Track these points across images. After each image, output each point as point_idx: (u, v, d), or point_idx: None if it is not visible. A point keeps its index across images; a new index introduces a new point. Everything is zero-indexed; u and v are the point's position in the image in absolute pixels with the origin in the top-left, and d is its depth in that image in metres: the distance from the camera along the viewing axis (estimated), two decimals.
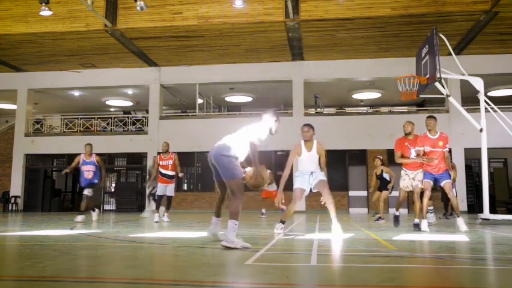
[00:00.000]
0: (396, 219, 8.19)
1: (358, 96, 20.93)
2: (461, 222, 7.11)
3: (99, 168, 10.30)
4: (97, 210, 10.50)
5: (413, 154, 7.50)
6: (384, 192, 10.73)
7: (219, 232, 5.37)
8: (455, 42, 15.30)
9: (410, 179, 7.57)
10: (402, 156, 7.60)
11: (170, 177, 10.48)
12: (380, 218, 10.31)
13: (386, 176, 10.77)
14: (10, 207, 18.68)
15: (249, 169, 5.15)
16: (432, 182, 7.20)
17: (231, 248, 4.45)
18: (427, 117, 7.59)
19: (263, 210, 13.30)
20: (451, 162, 12.64)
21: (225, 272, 3.41)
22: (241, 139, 5.05)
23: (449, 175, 7.27)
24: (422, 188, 7.30)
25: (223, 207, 5.32)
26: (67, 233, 6.85)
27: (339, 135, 17.68)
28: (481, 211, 10.20)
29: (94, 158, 10.21)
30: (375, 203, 11.39)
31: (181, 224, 9.27)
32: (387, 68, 17.18)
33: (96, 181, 10.24)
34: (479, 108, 10.36)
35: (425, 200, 7.17)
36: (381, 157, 11.28)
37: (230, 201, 4.77)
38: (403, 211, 16.93)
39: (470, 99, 13.38)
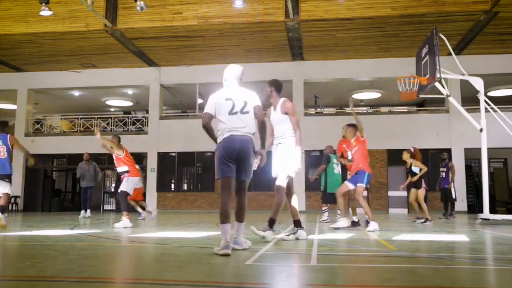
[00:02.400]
0: (355, 224, 7.88)
1: (358, 96, 20.91)
2: (373, 225, 7.12)
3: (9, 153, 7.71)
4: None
5: (349, 156, 7.91)
6: (421, 191, 9.52)
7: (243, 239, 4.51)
8: (455, 42, 15.29)
9: None
10: (342, 157, 8.37)
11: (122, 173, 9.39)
12: (426, 219, 9.21)
13: (415, 169, 9.67)
14: (10, 207, 18.67)
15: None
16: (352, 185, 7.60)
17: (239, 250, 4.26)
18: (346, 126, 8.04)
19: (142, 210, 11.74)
20: (450, 162, 12.71)
21: (225, 272, 3.40)
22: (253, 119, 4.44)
23: (363, 177, 7.45)
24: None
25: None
26: (67, 233, 6.85)
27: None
28: (481, 211, 10.20)
29: (8, 136, 7.72)
30: (413, 204, 9.85)
31: (181, 224, 9.26)
32: (387, 68, 17.18)
33: (11, 172, 7.95)
34: (479, 108, 10.37)
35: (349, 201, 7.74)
36: (412, 149, 9.95)
37: (226, 201, 4.29)
38: (403, 211, 16.94)
39: (470, 99, 13.39)
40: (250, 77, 18.84)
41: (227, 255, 3.99)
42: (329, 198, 9.80)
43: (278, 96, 5.59)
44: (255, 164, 4.52)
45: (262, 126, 4.48)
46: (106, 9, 14.66)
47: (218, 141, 4.39)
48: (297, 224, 5.53)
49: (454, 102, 10.64)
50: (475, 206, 17.46)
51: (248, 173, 4.39)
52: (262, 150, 4.62)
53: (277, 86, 5.63)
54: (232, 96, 4.45)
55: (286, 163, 5.47)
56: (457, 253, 4.72)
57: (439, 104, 18.55)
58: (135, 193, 11.29)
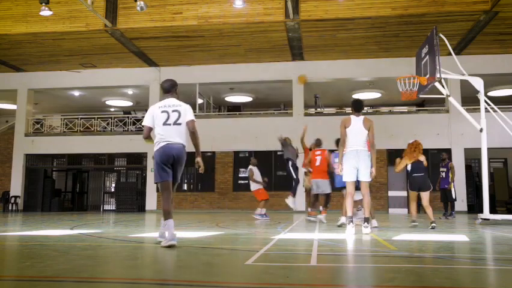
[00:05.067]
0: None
1: (358, 96, 20.91)
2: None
3: None
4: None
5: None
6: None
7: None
8: (455, 42, 15.29)
9: None
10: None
11: None
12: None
13: None
14: (10, 207, 18.68)
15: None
16: None
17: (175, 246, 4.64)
18: None
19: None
20: (450, 162, 12.69)
21: (225, 272, 3.41)
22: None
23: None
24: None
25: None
26: (67, 233, 6.85)
27: (339, 136, 17.65)
28: (481, 211, 10.20)
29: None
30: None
31: (181, 224, 9.27)
32: (387, 68, 17.17)
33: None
34: (479, 108, 10.36)
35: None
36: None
37: (168, 201, 4.85)
38: (403, 211, 16.95)
39: (470, 99, 13.38)
40: (250, 77, 18.97)
41: (173, 246, 4.61)
42: None
43: (353, 114, 6.68)
44: (200, 170, 5.11)
45: (194, 137, 5.06)
46: (106, 9, 14.65)
47: (155, 149, 4.91)
48: (365, 220, 6.52)
49: (454, 102, 10.63)
50: (475, 206, 17.44)
51: (179, 177, 5.05)
52: (199, 157, 5.14)
53: (354, 106, 6.75)
54: (167, 108, 4.98)
55: None
56: (457, 253, 4.72)
57: (439, 104, 18.55)
58: (261, 193, 11.58)
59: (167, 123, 4.90)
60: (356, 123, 6.54)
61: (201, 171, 5.19)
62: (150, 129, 5.02)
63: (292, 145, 11.46)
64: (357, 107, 6.69)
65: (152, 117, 4.99)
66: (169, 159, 4.87)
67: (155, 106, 5.06)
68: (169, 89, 5.17)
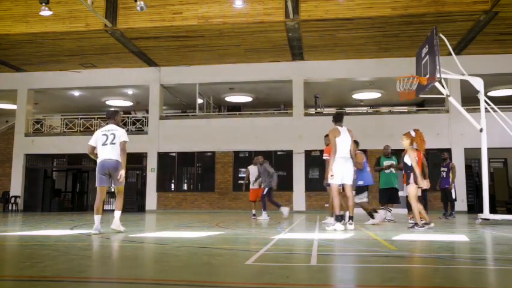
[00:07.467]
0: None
1: (358, 96, 20.92)
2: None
3: None
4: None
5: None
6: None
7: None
8: (455, 42, 15.29)
9: None
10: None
11: None
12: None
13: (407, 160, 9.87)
14: (10, 207, 18.68)
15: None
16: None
17: (120, 232, 6.51)
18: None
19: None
20: (451, 162, 12.69)
21: (225, 272, 3.41)
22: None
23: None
24: None
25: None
26: (67, 233, 6.85)
27: None
28: (481, 211, 10.19)
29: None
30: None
31: (181, 224, 9.27)
32: (387, 68, 17.16)
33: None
34: (479, 108, 10.36)
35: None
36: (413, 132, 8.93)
37: (120, 199, 6.77)
38: (403, 210, 16.94)
39: (470, 99, 13.38)
40: (250, 77, 18.94)
41: (96, 234, 6.19)
42: (383, 198, 9.86)
43: (334, 125, 7.41)
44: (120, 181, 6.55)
45: (123, 155, 6.53)
46: (106, 9, 14.65)
47: (98, 162, 6.52)
48: (350, 218, 7.37)
49: (454, 102, 10.63)
50: (475, 206, 17.44)
51: (118, 183, 6.54)
52: (122, 170, 6.50)
53: (334, 117, 7.56)
54: (107, 132, 6.58)
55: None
56: (457, 253, 4.72)
57: (439, 104, 18.55)
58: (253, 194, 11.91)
59: (105, 144, 6.47)
60: (344, 133, 7.29)
61: (120, 182, 6.53)
62: (93, 147, 6.61)
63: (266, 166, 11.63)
64: (342, 118, 7.51)
65: (95, 138, 6.60)
66: (106, 171, 6.45)
67: (99, 130, 6.67)
68: (110, 116, 6.79)
